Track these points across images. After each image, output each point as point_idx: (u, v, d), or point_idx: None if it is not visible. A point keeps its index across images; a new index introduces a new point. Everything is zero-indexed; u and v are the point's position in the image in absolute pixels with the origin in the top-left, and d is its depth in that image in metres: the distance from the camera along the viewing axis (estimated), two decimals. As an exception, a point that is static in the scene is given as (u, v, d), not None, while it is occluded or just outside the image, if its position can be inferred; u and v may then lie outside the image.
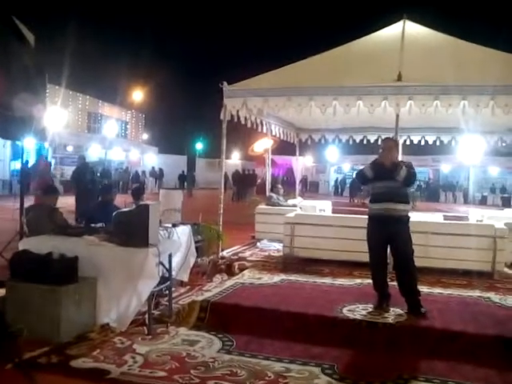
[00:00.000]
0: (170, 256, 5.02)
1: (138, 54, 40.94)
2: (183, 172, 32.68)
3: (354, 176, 6.25)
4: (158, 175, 32.21)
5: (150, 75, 36.75)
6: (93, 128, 33.28)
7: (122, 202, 7.22)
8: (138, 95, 35.33)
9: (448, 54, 7.09)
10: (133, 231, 4.59)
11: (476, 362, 4.06)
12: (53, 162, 23.58)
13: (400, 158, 8.11)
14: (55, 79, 21.91)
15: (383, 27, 8.16)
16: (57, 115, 21.95)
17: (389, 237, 5.10)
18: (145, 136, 41.88)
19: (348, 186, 37.20)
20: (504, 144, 10.49)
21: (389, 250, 5.26)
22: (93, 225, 5.36)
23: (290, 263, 7.16)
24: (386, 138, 5.70)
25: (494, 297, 5.71)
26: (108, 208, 5.88)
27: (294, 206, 9.63)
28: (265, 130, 9.21)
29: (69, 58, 20.50)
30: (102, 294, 4.58)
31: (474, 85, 6.38)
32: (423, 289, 5.87)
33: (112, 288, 4.56)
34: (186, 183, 30.42)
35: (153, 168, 33.10)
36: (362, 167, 5.48)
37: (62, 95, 25.78)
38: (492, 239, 6.68)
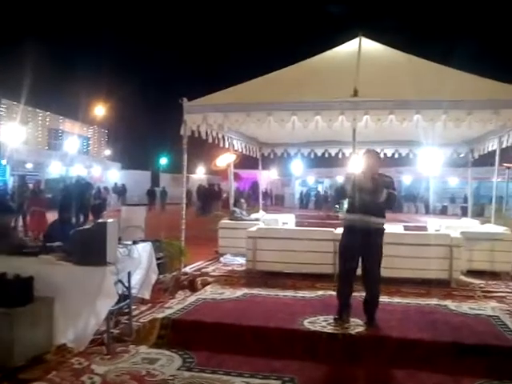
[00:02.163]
0: (130, 274, 4.96)
1: (99, 70, 40.50)
2: (152, 187, 32.50)
3: (334, 191, 6.07)
4: (120, 191, 31.83)
5: (111, 91, 36.27)
6: (53, 144, 32.69)
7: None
8: (99, 111, 34.82)
9: (402, 70, 7.34)
10: (90, 249, 4.53)
11: (432, 368, 4.17)
12: (11, 179, 22.96)
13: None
14: (14, 96, 21.48)
15: (340, 44, 8.38)
16: (15, 132, 21.45)
17: (362, 248, 5.10)
18: (107, 152, 41.33)
19: (313, 198, 37.76)
20: (462, 155, 10.85)
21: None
22: (49, 244, 5.24)
23: (253, 277, 7.18)
24: (367, 152, 5.32)
25: (450, 304, 5.87)
26: (66, 226, 5.77)
27: (257, 219, 9.67)
28: (227, 145, 9.26)
29: (28, 75, 20.18)
30: (59, 314, 4.47)
31: (427, 100, 6.62)
32: (384, 298, 6.00)
33: (69, 307, 4.46)
34: (158, 198, 30.35)
35: (115, 184, 32.68)
36: (341, 183, 5.50)
37: (21, 111, 25.26)
38: (448, 248, 6.88)
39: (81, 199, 13.97)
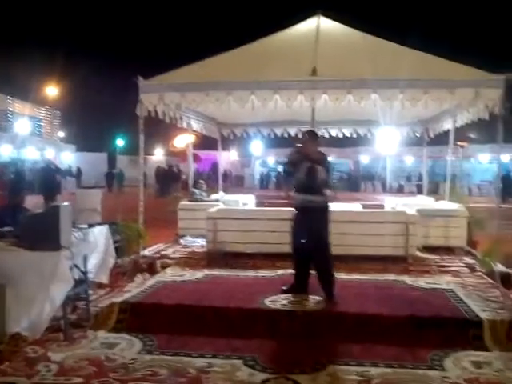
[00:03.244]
0: (85, 258, 4.83)
1: (50, 49, 38.83)
2: (110, 170, 31.94)
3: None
4: (75, 174, 31.00)
5: (64, 70, 34.89)
6: (2, 126, 31.26)
7: (35, 203, 6.84)
8: (52, 91, 33.52)
9: (360, 49, 7.34)
10: (43, 234, 4.37)
11: (389, 342, 4.28)
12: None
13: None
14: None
15: (298, 22, 8.30)
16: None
17: (303, 226, 5.22)
18: (61, 134, 39.94)
19: (273, 179, 37.97)
20: (418, 134, 11.05)
21: None
22: (-1, 229, 5.02)
23: (214, 258, 7.14)
24: (304, 132, 5.69)
25: (407, 279, 6.05)
26: (17, 211, 5.54)
27: (217, 200, 9.60)
28: (185, 125, 9.09)
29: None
30: (12, 302, 4.29)
31: (384, 79, 6.65)
32: (341, 275, 6.12)
33: (22, 294, 4.30)
34: (115, 181, 29.87)
35: (70, 167, 31.76)
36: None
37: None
38: (404, 225, 7.04)
39: (52, 184, 14.18)
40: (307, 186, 5.20)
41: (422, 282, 5.93)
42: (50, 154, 32.63)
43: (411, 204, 8.80)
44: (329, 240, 5.26)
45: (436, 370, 3.82)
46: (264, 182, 38.58)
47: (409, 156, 35.52)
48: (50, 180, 15.14)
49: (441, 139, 11.50)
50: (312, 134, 5.61)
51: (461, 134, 15.01)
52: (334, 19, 8.35)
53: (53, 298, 4.31)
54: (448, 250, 7.74)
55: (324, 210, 5.25)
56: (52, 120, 37.96)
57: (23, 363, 3.85)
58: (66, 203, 4.77)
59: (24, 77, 30.57)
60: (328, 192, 5.22)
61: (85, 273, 4.83)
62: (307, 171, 5.18)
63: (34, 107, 34.57)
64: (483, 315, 4.57)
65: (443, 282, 5.95)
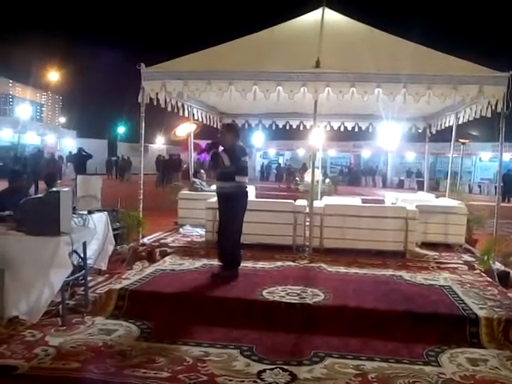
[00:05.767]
0: (85, 244, 4.83)
1: (53, 33, 38.58)
2: (116, 157, 31.76)
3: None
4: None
5: (66, 56, 34.72)
6: (3, 110, 31.13)
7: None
8: (53, 76, 33.31)
9: (364, 43, 7.30)
10: (43, 219, 4.36)
11: (386, 336, 4.29)
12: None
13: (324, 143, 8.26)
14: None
15: (303, 14, 8.25)
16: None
17: (219, 210, 5.74)
18: (62, 119, 39.82)
19: (274, 170, 37.94)
20: (420, 130, 11.03)
21: None
22: (-1, 213, 5.02)
23: (213, 248, 7.12)
24: (222, 124, 6.13)
25: (405, 275, 6.05)
26: (18, 195, 5.52)
27: (217, 191, 9.58)
28: (186, 114, 9.05)
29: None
30: (10, 286, 4.31)
31: (388, 73, 6.62)
32: (340, 269, 6.15)
33: (21, 279, 4.32)
34: (119, 169, 29.81)
35: (70, 153, 31.68)
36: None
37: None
38: (404, 220, 7.04)
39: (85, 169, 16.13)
40: (219, 173, 5.62)
41: (420, 277, 5.93)
42: (50, 139, 32.56)
43: (411, 200, 8.79)
44: (233, 225, 5.62)
45: (432, 365, 3.83)
46: (265, 173, 38.54)
47: (410, 152, 35.47)
48: (83, 165, 16.80)
49: (443, 136, 11.48)
50: (228, 127, 6.22)
51: (463, 131, 14.99)
52: (339, 11, 8.29)
53: (51, 283, 4.31)
54: (447, 247, 7.74)
55: (232, 196, 5.54)
56: (53, 105, 37.86)
57: (21, 346, 3.87)
58: (66, 189, 4.76)
59: (25, 61, 30.41)
60: (237, 178, 5.51)
61: (84, 259, 4.84)
62: (211, 157, 5.59)
63: (35, 92, 34.50)
64: (480, 313, 4.58)
65: (441, 278, 5.95)
